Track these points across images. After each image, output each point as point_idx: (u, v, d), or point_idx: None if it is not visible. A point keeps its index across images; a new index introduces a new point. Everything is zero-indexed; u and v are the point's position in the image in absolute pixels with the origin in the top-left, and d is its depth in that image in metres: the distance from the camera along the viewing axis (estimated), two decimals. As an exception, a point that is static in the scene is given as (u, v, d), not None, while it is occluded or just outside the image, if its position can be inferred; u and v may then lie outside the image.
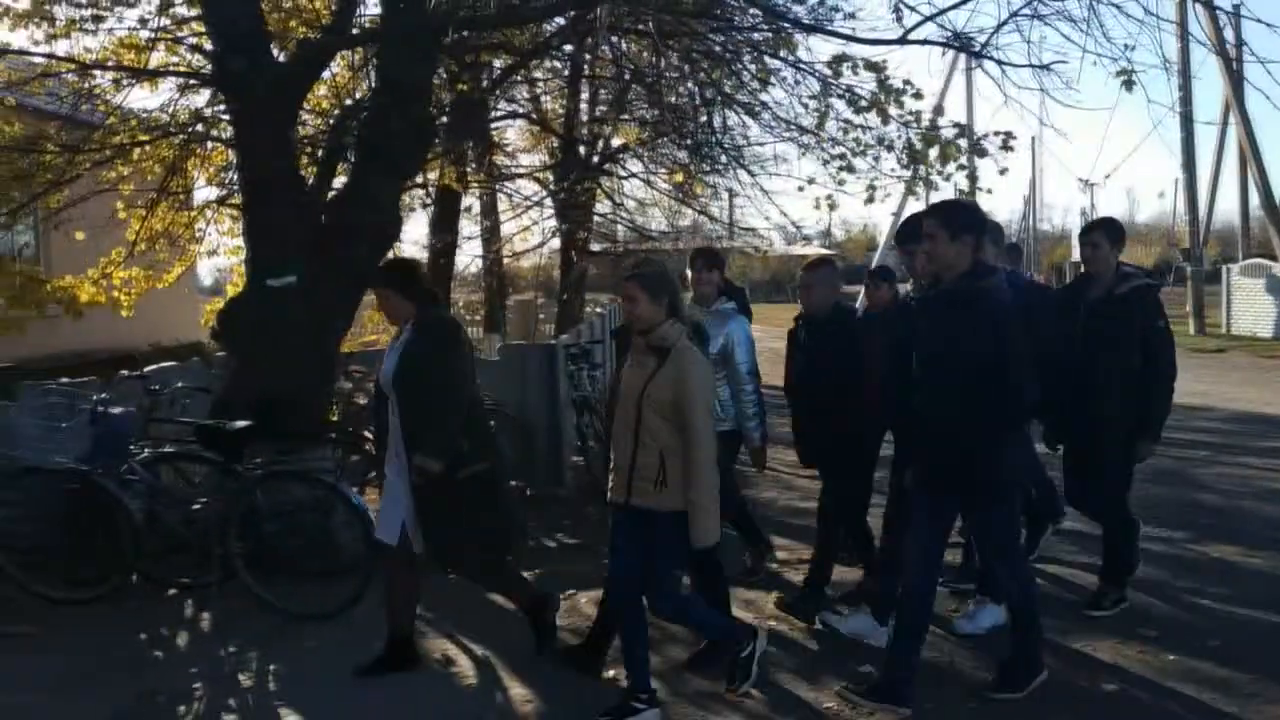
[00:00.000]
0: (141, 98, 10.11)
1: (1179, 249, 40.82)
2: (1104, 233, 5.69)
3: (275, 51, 7.05)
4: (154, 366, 7.68)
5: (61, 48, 8.32)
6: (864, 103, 7.48)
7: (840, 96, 7.73)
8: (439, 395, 4.64)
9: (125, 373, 6.78)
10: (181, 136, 8.63)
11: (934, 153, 7.60)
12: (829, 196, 8.61)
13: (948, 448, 4.26)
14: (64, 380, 6.76)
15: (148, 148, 8.97)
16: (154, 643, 5.56)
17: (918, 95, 7.43)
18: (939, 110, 8.42)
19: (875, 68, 7.15)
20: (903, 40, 6.48)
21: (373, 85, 7.13)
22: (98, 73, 8.43)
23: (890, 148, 7.99)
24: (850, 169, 8.33)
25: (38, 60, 8.27)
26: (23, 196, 8.64)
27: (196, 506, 6.15)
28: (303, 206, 6.72)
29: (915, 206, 8.93)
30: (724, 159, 11.29)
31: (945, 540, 4.55)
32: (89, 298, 9.95)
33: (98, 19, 8.39)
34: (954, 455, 4.23)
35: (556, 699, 4.60)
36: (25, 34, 8.30)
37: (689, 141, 11.39)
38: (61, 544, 6.03)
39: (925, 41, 6.52)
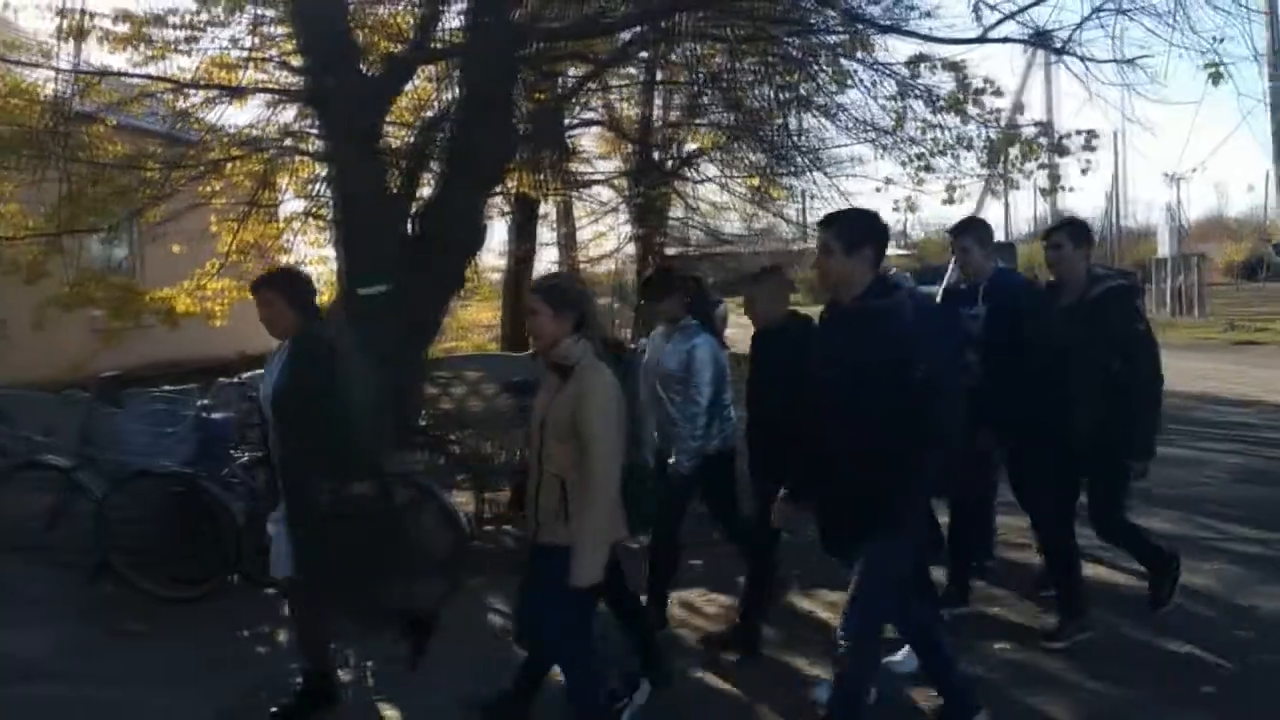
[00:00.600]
0: (232, 114, 10.46)
1: (1271, 244, 39.69)
2: (1067, 234, 5.27)
3: (361, 67, 7.24)
4: (250, 374, 7.94)
5: (158, 69, 8.68)
6: (942, 103, 7.48)
7: (918, 97, 7.73)
8: (319, 420, 4.16)
9: (224, 380, 7.02)
10: (271, 151, 8.90)
11: (1014, 151, 7.56)
12: (908, 198, 8.60)
13: (847, 484, 3.81)
14: (166, 388, 7.03)
15: (239, 163, 9.29)
16: (255, 640, 5.76)
17: (998, 93, 7.43)
18: (1019, 108, 8.39)
19: (954, 67, 7.16)
20: (982, 39, 6.46)
21: (455, 98, 7.29)
22: (192, 91, 8.75)
23: (969, 147, 7.97)
24: (929, 169, 8.32)
25: (136, 81, 8.63)
26: (123, 212, 9.02)
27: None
28: (391, 218, 6.91)
29: (996, 206, 8.86)
30: (801, 161, 11.27)
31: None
32: (185, 308, 10.33)
33: (192, 40, 8.75)
34: (854, 492, 3.79)
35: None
36: (124, 56, 8.70)
37: (766, 145, 11.39)
38: (168, 544, 6.29)
39: (1005, 40, 6.50)
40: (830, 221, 3.94)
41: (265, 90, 8.27)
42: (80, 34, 8.77)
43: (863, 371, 3.73)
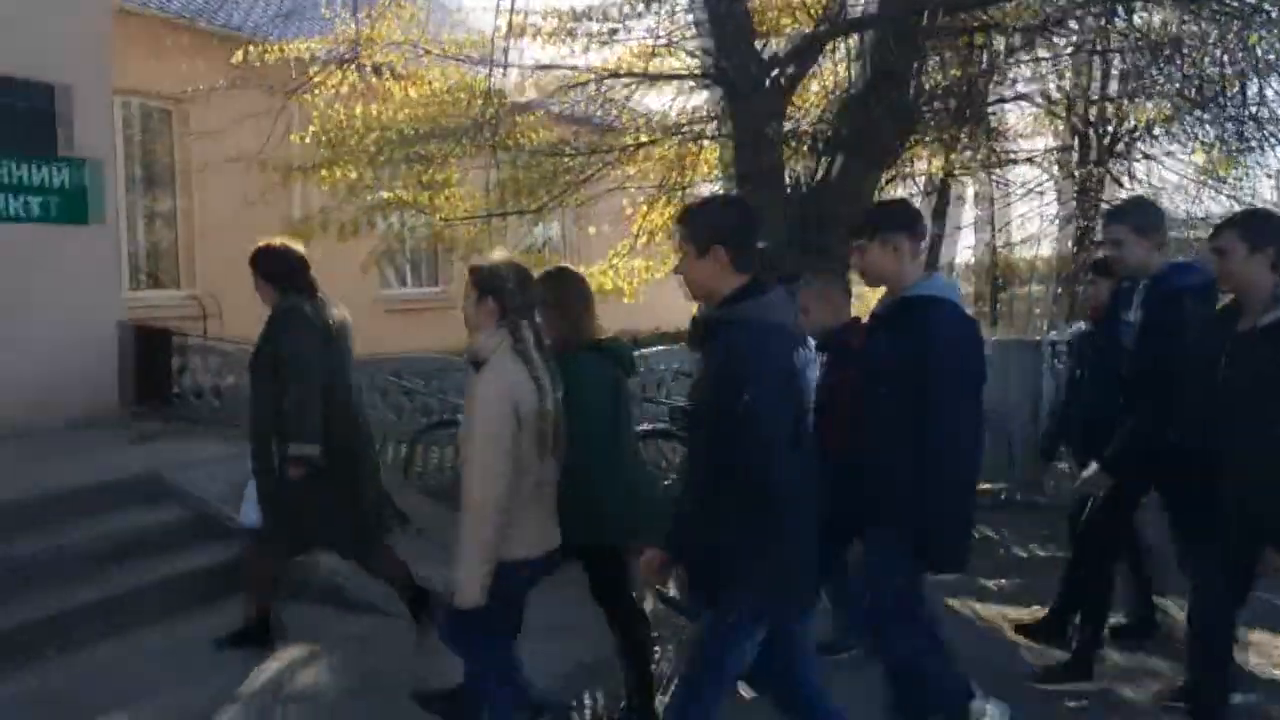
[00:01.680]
0: (646, 100, 11.06)
1: None
2: (1239, 233, 3.77)
3: (766, 46, 7.26)
4: (649, 350, 8.30)
5: (584, 60, 9.31)
6: None
7: None
8: (281, 382, 4.50)
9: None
10: (681, 135, 9.19)
11: None
12: None
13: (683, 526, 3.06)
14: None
15: (653, 147, 9.71)
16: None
17: None
18: None
19: None
20: None
21: (855, 76, 7.10)
22: (613, 80, 9.24)
23: None
24: None
25: (564, 73, 9.27)
26: (548, 196, 9.74)
27: (667, 483, 6.54)
28: (781, 198, 6.88)
29: None
30: (1263, 133, 9.82)
31: None
32: (611, 285, 10.97)
33: (613, 32, 9.25)
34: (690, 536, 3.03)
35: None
36: (557, 50, 9.38)
37: (1219, 117, 10.05)
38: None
39: None
40: (681, 217, 3.21)
41: (676, 76, 8.53)
42: (517, 32, 9.60)
43: (699, 394, 3.10)
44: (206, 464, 6.54)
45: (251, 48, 9.01)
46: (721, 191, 9.95)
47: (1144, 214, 4.34)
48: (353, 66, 8.71)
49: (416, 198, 9.82)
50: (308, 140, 9.05)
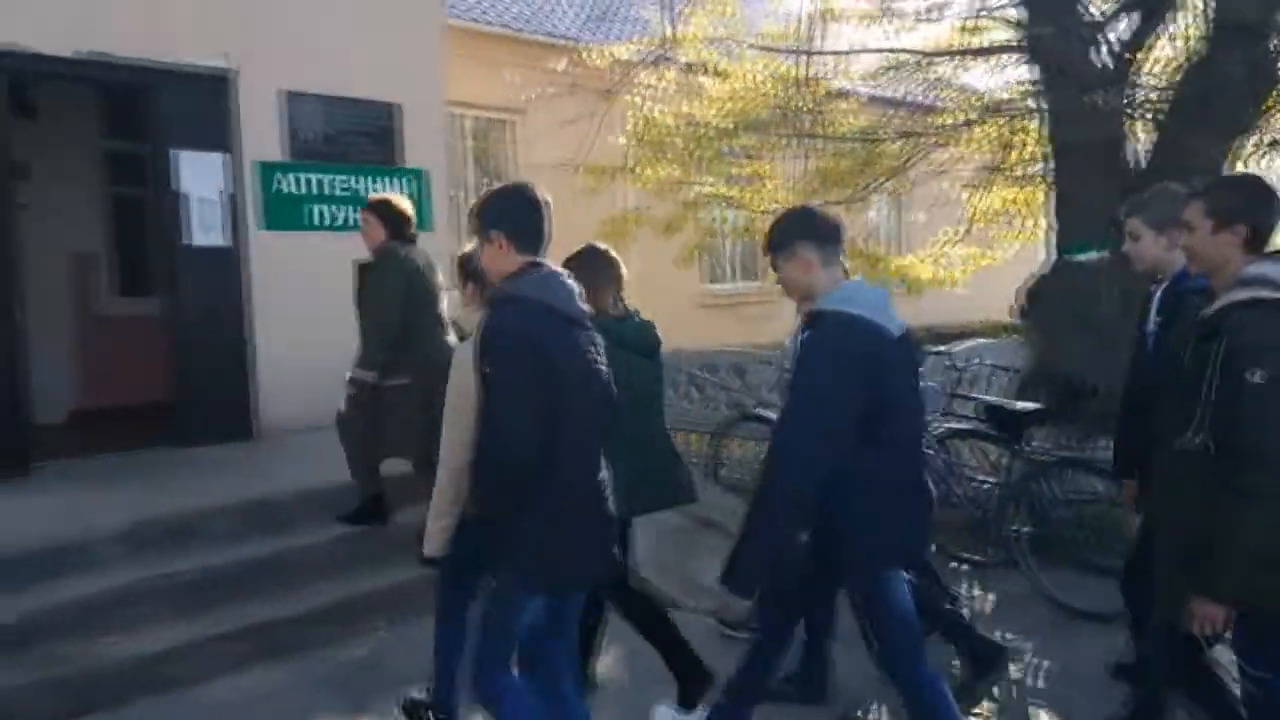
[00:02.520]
0: (967, 78, 10.38)
1: None
2: (1203, 205, 3.00)
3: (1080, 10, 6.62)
4: (967, 344, 7.82)
5: (907, 40, 8.93)
6: None
7: None
8: (364, 315, 5.13)
9: (930, 349, 7.00)
10: (1003, 113, 8.61)
11: None
12: None
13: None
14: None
15: (980, 127, 9.15)
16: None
17: None
18: None
19: None
20: None
21: (1198, 32, 6.31)
22: (928, 58, 8.82)
23: None
24: None
25: (875, 56, 8.96)
26: (865, 182, 9.44)
27: (985, 484, 6.13)
28: (1110, 172, 6.24)
29: None
30: None
31: None
32: (930, 275, 10.51)
33: (933, 9, 8.82)
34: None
35: None
36: (877, 31, 9.09)
37: None
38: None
39: None
40: (473, 209, 3.26)
41: (989, 50, 8.00)
42: (831, 16, 9.40)
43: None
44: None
45: (576, 53, 9.41)
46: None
47: (1162, 206, 3.73)
48: (668, 65, 8.84)
49: (730, 192, 9.86)
50: (625, 141, 9.31)
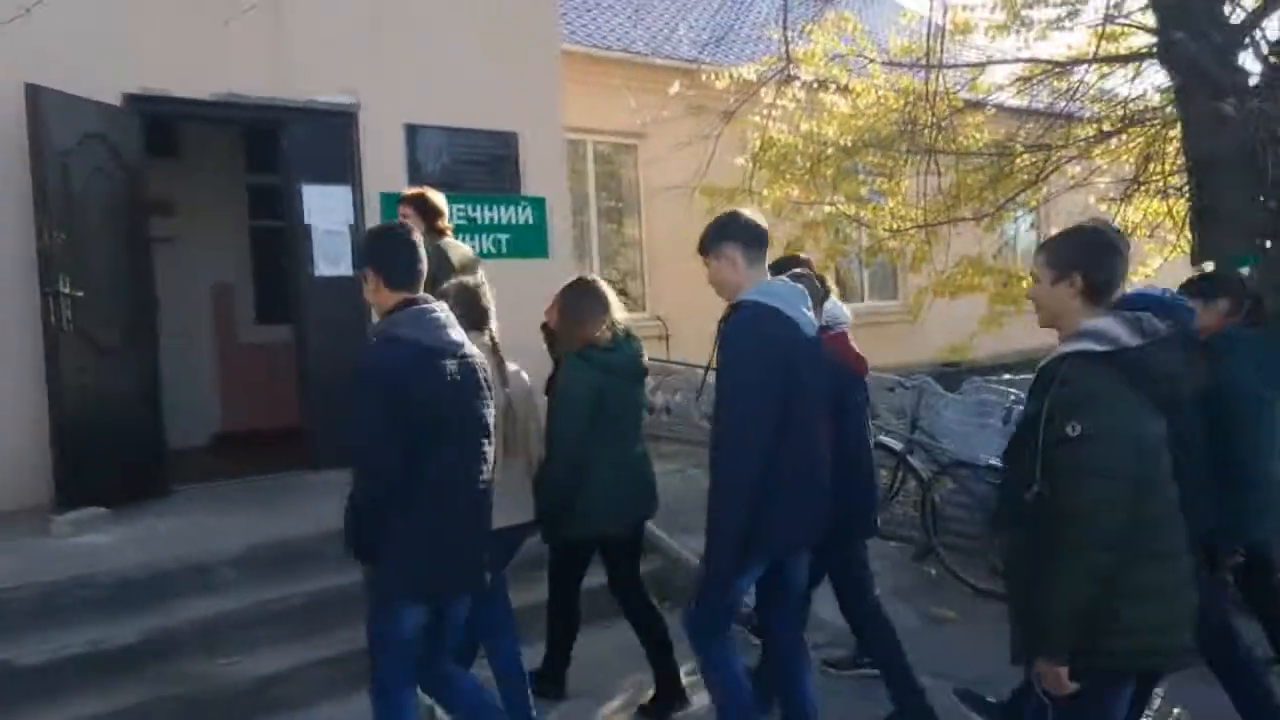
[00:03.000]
0: (1104, 84, 9.76)
1: None
2: (1045, 257, 2.92)
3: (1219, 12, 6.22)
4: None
5: (1040, 50, 8.60)
6: None
7: None
8: None
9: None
10: (1143, 121, 8.18)
11: None
12: None
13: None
14: (1006, 376, 6.93)
15: (1122, 138, 8.72)
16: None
17: None
18: None
19: None
20: None
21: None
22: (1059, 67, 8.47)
23: None
24: None
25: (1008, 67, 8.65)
26: (997, 198, 9.09)
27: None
28: (1254, 181, 5.83)
29: None
30: None
31: None
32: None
33: (1073, 14, 8.48)
34: None
35: None
36: (1008, 42, 8.80)
37: None
38: (987, 537, 6.20)
39: None
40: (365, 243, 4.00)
41: (1121, 59, 7.61)
42: (959, 28, 9.13)
43: None
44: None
45: (696, 75, 9.36)
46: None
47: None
48: (789, 84, 8.71)
49: (854, 211, 9.65)
50: (747, 162, 9.21)
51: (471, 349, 3.54)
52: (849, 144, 9.02)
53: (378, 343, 3.38)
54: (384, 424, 3.25)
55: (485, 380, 3.56)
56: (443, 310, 3.48)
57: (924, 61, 8.45)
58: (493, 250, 7.79)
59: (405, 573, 3.40)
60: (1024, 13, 8.79)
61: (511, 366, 4.31)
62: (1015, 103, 9.27)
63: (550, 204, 8.18)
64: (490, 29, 7.79)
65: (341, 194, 7.13)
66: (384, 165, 7.40)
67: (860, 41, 9.60)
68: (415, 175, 7.51)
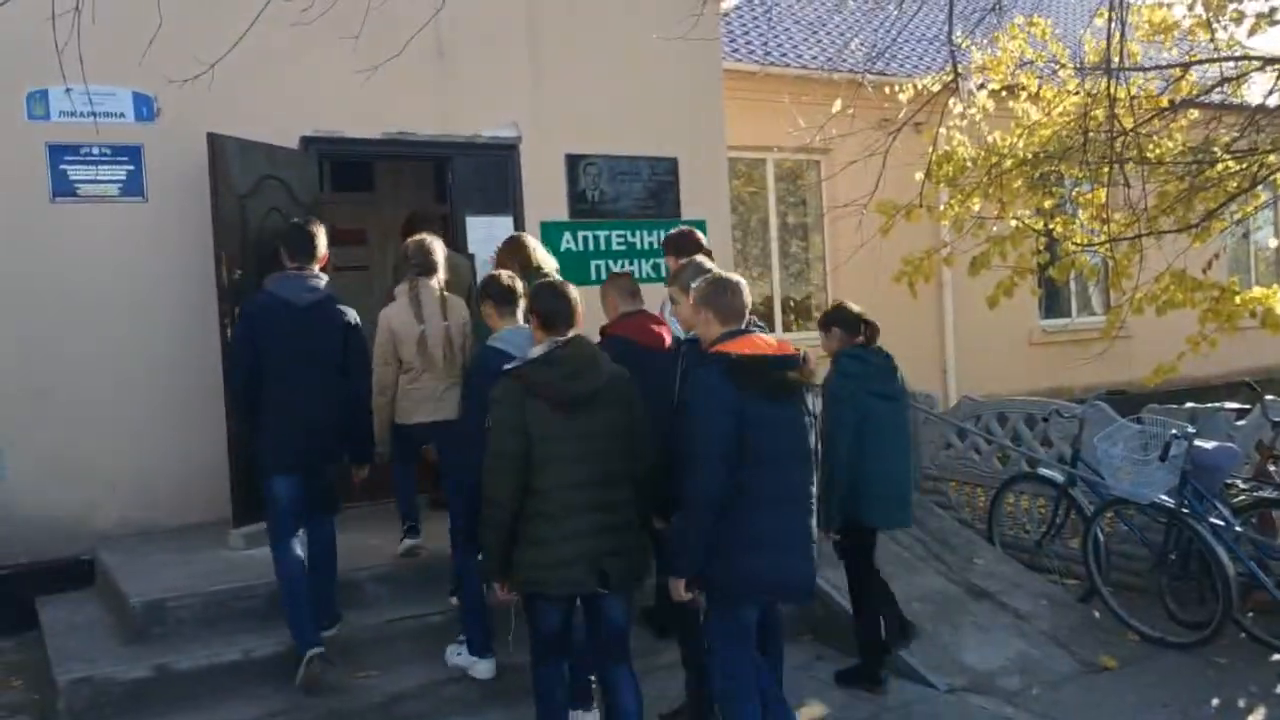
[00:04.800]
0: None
1: None
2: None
3: None
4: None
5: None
6: None
7: None
8: None
9: (1232, 405, 6.13)
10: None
11: None
12: None
13: None
14: (1190, 404, 6.42)
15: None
16: (1226, 710, 4.89)
17: None
18: None
19: None
20: None
21: None
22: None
23: None
24: None
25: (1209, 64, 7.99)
26: (1202, 208, 8.38)
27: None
28: None
29: None
30: None
31: None
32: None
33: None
34: None
35: None
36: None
37: None
38: (1157, 580, 5.75)
39: None
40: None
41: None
42: (1157, 28, 8.53)
43: None
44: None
45: (878, 89, 9.10)
46: None
47: (694, 275, 4.37)
48: (958, 92, 8.35)
49: (1044, 224, 9.11)
50: (924, 177, 8.89)
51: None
52: (1031, 155, 8.54)
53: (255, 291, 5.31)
54: (239, 346, 5.07)
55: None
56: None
57: (1112, 65, 7.96)
58: (652, 275, 7.87)
59: (267, 455, 4.95)
60: (1232, 6, 8.11)
61: (455, 301, 5.56)
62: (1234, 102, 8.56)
63: (712, 225, 8.17)
64: (650, 57, 7.88)
65: (503, 224, 7.38)
66: (545, 195, 7.63)
67: (1053, 47, 9.11)
68: (576, 204, 7.71)
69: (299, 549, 4.90)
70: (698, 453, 3.65)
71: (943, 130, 8.82)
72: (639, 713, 3.99)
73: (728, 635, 3.83)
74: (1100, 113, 7.90)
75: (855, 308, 5.13)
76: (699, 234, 5.62)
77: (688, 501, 3.68)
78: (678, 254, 5.24)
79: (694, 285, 4.01)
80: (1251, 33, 8.24)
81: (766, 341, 3.82)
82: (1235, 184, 8.22)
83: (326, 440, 5.05)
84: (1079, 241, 9.05)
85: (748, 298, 3.89)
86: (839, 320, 5.10)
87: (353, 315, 5.14)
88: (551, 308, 3.93)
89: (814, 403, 4.05)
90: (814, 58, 11.26)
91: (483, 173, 7.45)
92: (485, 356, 4.50)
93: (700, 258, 4.75)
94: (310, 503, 5.01)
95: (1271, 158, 7.98)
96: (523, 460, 3.70)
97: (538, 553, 3.76)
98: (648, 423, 3.96)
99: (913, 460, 5.68)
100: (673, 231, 5.82)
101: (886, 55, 9.23)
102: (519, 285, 4.67)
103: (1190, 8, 8.21)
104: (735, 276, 3.95)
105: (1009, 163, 8.56)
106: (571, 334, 3.89)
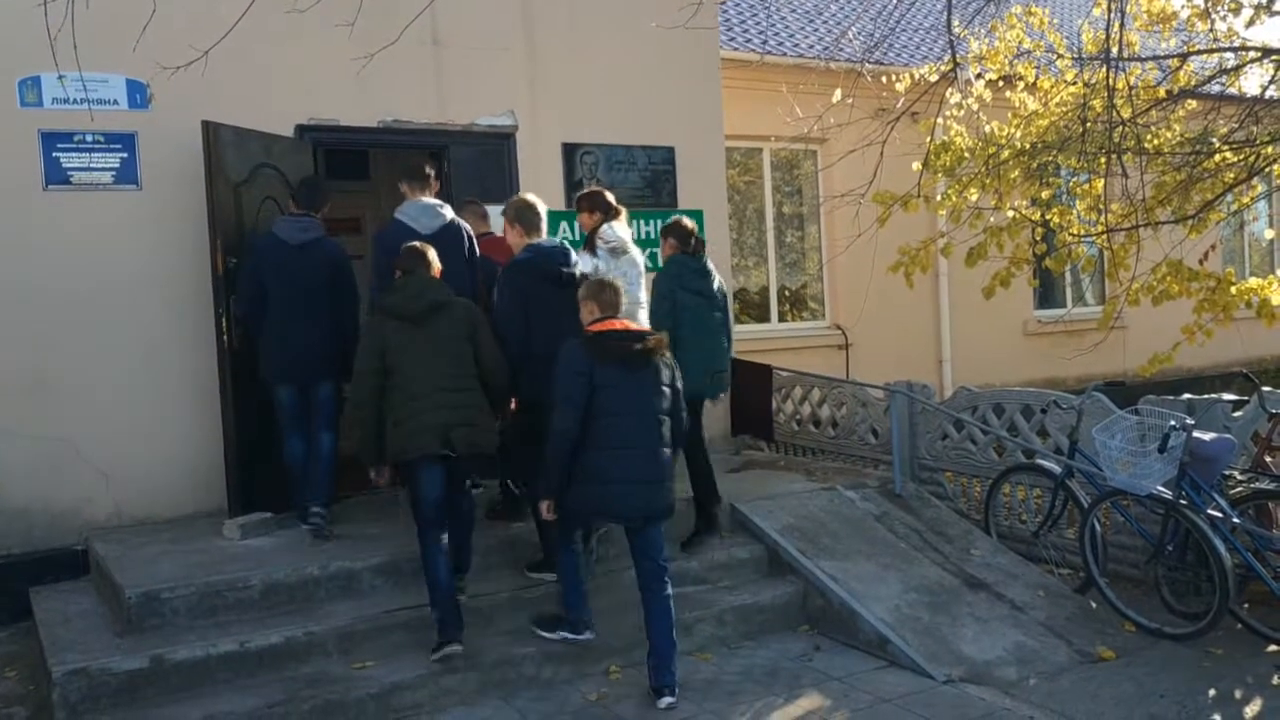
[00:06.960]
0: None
1: None
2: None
3: None
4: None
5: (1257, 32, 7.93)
6: None
7: None
8: None
9: (1228, 397, 6.11)
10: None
11: None
12: None
13: None
14: (1187, 396, 6.39)
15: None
16: (1222, 701, 4.89)
17: None
18: None
19: None
20: None
21: None
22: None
23: None
24: None
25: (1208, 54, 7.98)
26: (1198, 199, 8.38)
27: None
28: None
29: None
30: None
31: None
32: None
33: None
34: None
35: None
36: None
37: None
38: (1153, 571, 5.75)
39: None
40: None
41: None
42: (1156, 17, 8.51)
43: None
44: (779, 497, 6.75)
45: (876, 78, 9.07)
46: None
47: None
48: (955, 82, 8.33)
49: (1040, 215, 9.10)
50: (918, 168, 8.87)
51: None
52: (1029, 145, 8.53)
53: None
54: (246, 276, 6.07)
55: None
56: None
57: (1111, 55, 7.93)
58: (649, 265, 7.83)
59: (268, 365, 6.07)
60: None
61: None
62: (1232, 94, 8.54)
63: (709, 214, 8.15)
64: (647, 47, 7.87)
65: (498, 213, 7.34)
66: (542, 183, 7.58)
67: (1050, 36, 9.09)
68: (573, 192, 7.68)
69: (299, 442, 6.05)
70: (558, 401, 4.68)
71: (940, 120, 8.80)
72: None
73: (568, 540, 5.00)
74: (1098, 103, 7.90)
75: (689, 224, 6.24)
76: (608, 195, 6.17)
77: (549, 437, 4.71)
78: (590, 211, 6.06)
79: (586, 282, 5.15)
80: (1249, 24, 8.24)
81: (625, 325, 4.89)
82: (1232, 175, 8.23)
83: (314, 359, 5.96)
84: (1076, 232, 9.06)
85: (623, 298, 5.06)
86: (674, 232, 6.16)
87: (340, 252, 6.11)
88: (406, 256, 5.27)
89: (672, 375, 4.94)
90: (811, 47, 11.23)
91: (479, 161, 7.43)
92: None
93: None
94: (309, 410, 6.12)
95: (1269, 149, 8.00)
96: (380, 376, 4.99)
97: (396, 431, 4.94)
98: (494, 342, 5.22)
99: (722, 345, 6.27)
100: (584, 191, 6.46)
101: (884, 45, 9.16)
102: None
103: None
104: (616, 281, 5.15)
105: (1006, 153, 8.55)
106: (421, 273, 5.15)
